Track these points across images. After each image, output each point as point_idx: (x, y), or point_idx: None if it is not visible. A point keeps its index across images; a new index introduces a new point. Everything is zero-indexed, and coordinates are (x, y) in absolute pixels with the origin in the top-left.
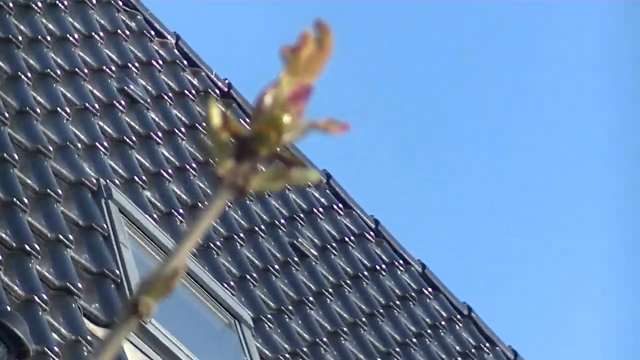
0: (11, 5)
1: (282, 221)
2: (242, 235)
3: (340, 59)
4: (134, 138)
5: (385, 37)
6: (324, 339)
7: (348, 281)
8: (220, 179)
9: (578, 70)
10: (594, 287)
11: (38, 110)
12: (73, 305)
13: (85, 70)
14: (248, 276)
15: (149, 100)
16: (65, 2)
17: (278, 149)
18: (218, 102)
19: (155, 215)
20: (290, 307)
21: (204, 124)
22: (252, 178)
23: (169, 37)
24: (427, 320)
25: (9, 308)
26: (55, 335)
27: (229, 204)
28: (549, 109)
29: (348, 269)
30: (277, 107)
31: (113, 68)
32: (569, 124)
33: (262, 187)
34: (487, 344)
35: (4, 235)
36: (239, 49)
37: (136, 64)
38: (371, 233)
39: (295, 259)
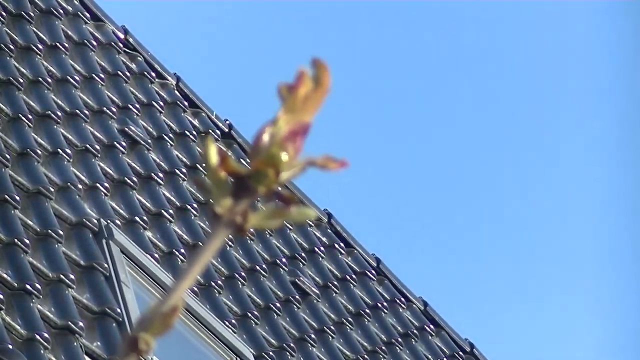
0: (12, 47)
1: (284, 260)
2: (243, 274)
3: (339, 95)
4: (134, 178)
5: (386, 74)
6: None
7: (350, 319)
8: (218, 217)
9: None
10: (597, 318)
11: (39, 152)
12: (75, 343)
13: (86, 112)
14: (250, 314)
15: (149, 141)
16: (66, 44)
17: (276, 186)
18: (218, 142)
19: (156, 255)
20: (292, 345)
21: (203, 163)
22: (250, 216)
23: (169, 78)
24: (430, 357)
25: (11, 347)
26: None
27: (230, 243)
28: (549, 141)
29: (350, 307)
30: (274, 145)
31: (114, 109)
32: (565, 160)
33: (260, 225)
34: None
35: (5, 276)
36: (240, 90)
37: (137, 105)
38: (372, 271)
39: (297, 297)
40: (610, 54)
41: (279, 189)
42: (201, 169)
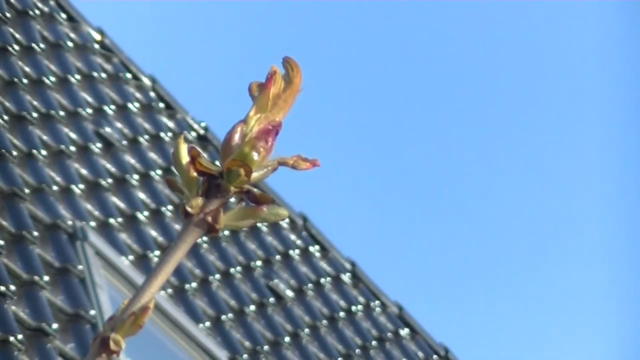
0: None
1: (259, 263)
2: (217, 276)
3: (314, 95)
4: (109, 180)
5: (365, 78)
6: None
7: (324, 322)
8: (189, 216)
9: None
10: (576, 322)
11: (14, 153)
12: (48, 345)
13: (61, 113)
14: (224, 317)
15: (124, 142)
16: (42, 45)
17: (247, 186)
18: (194, 144)
19: (131, 257)
20: (266, 348)
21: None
22: (222, 215)
23: (145, 79)
24: None
25: None
26: None
27: (205, 245)
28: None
29: (324, 311)
30: (245, 144)
31: (89, 110)
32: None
33: (232, 225)
34: None
35: None
36: (217, 92)
37: (112, 107)
38: (348, 274)
39: (272, 300)
40: (617, 53)
41: (251, 188)
42: (175, 172)
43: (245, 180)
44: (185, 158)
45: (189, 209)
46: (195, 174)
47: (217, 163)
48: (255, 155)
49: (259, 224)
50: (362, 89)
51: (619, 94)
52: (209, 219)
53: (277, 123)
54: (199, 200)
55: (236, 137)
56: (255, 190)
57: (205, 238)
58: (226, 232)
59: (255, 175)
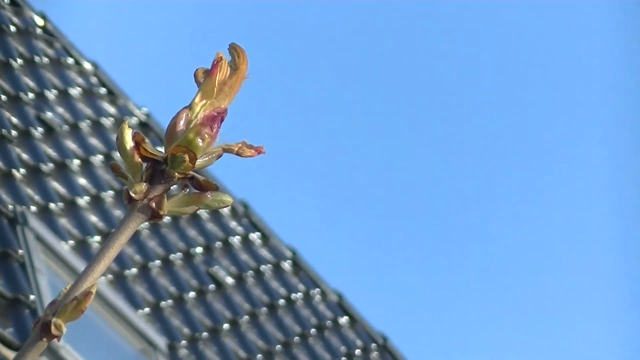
0: None
1: (199, 250)
2: (158, 262)
3: (259, 81)
4: (50, 165)
5: (314, 64)
6: None
7: (264, 310)
8: (132, 202)
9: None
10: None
11: None
12: None
13: (3, 97)
14: (164, 303)
15: (65, 127)
16: None
17: (191, 172)
18: (134, 130)
19: (71, 242)
20: (205, 335)
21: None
22: (165, 201)
23: (87, 65)
24: (343, 349)
25: None
26: None
27: (146, 231)
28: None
29: (264, 298)
30: (190, 131)
31: (30, 95)
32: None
33: (176, 211)
34: None
35: None
36: (159, 79)
37: (53, 91)
38: (288, 262)
39: (212, 287)
40: (615, 51)
41: (195, 174)
42: (117, 156)
43: (189, 166)
44: (129, 143)
45: (132, 195)
46: (139, 159)
47: (161, 149)
48: (200, 142)
49: (200, 211)
50: (308, 73)
51: (618, 94)
52: (153, 204)
53: (223, 110)
54: (143, 186)
55: (181, 123)
56: (200, 176)
57: (145, 224)
58: (167, 219)
59: (199, 161)
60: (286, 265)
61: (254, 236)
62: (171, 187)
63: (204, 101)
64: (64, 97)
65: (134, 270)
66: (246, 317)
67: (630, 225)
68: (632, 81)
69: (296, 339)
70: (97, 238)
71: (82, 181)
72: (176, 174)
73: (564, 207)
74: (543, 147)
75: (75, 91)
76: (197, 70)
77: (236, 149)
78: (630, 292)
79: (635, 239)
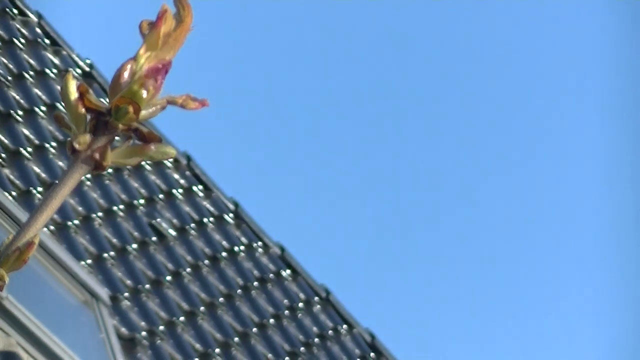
0: None
1: (141, 201)
2: (100, 214)
3: (204, 35)
4: None
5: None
6: (182, 319)
7: (206, 262)
8: (76, 152)
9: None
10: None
11: None
12: None
13: None
14: (106, 255)
15: (9, 78)
16: None
17: (135, 124)
18: (79, 81)
19: (14, 193)
20: (147, 287)
21: (62, 99)
22: (109, 153)
23: (31, 15)
24: (285, 302)
25: None
26: None
27: (88, 183)
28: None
29: (207, 250)
30: (135, 82)
31: None
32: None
33: (119, 162)
34: (345, 326)
35: None
36: (103, 30)
37: None
38: (230, 215)
39: (154, 239)
40: (611, 50)
41: (139, 126)
42: (61, 108)
43: (133, 118)
44: (73, 94)
45: (76, 146)
46: (83, 110)
47: (105, 101)
48: (144, 94)
49: (143, 162)
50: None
51: (617, 94)
52: (97, 155)
53: (167, 62)
54: (87, 137)
55: (125, 75)
56: (144, 128)
57: (88, 176)
58: (110, 171)
59: (143, 113)
60: (228, 218)
61: (197, 188)
62: (115, 139)
63: (149, 53)
64: (8, 47)
65: (76, 221)
66: (189, 269)
67: (622, 226)
68: (626, 81)
69: (239, 291)
70: (41, 189)
71: (26, 131)
72: (120, 125)
73: (555, 205)
74: (536, 147)
75: (19, 42)
76: (141, 22)
77: (180, 101)
78: (620, 294)
79: (626, 240)
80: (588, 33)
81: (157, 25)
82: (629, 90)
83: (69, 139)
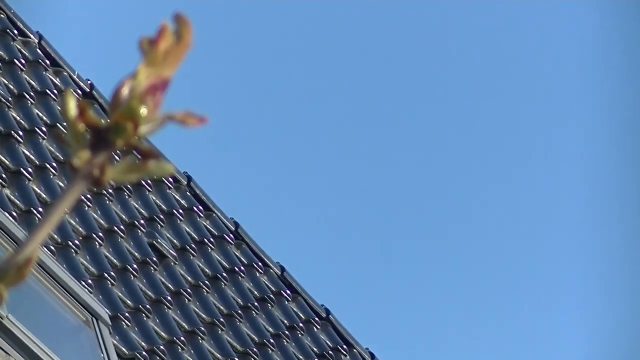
0: None
1: (142, 221)
2: (101, 234)
3: (204, 51)
4: None
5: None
6: (182, 338)
7: (207, 282)
8: (75, 169)
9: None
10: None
11: None
12: None
13: None
14: (106, 275)
15: (10, 98)
16: None
17: (134, 140)
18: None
19: (14, 213)
20: (148, 306)
21: (62, 116)
22: (108, 169)
23: (31, 36)
24: (285, 322)
25: None
26: None
27: (89, 203)
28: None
29: (207, 270)
30: (134, 99)
31: None
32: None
33: (118, 178)
34: (345, 346)
35: None
36: (103, 50)
37: None
38: (231, 235)
39: (154, 259)
40: (603, 52)
41: (138, 143)
42: (61, 127)
43: (132, 134)
44: (73, 111)
45: (75, 162)
46: (82, 127)
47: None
48: (143, 110)
49: (144, 182)
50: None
51: (615, 94)
52: (95, 171)
53: (166, 79)
54: (86, 153)
55: (125, 92)
56: (142, 144)
57: (89, 195)
58: (110, 190)
59: (142, 129)
60: (229, 238)
61: (197, 209)
62: (114, 155)
63: (148, 70)
64: (9, 68)
65: (77, 241)
66: (189, 289)
67: (609, 230)
68: (623, 84)
69: (239, 311)
70: (41, 209)
71: (26, 152)
72: (119, 141)
73: (544, 206)
74: (528, 149)
75: (19, 62)
76: (141, 38)
77: (179, 117)
78: (606, 296)
79: (611, 239)
80: (586, 37)
81: (156, 42)
82: (628, 91)
83: (69, 154)
